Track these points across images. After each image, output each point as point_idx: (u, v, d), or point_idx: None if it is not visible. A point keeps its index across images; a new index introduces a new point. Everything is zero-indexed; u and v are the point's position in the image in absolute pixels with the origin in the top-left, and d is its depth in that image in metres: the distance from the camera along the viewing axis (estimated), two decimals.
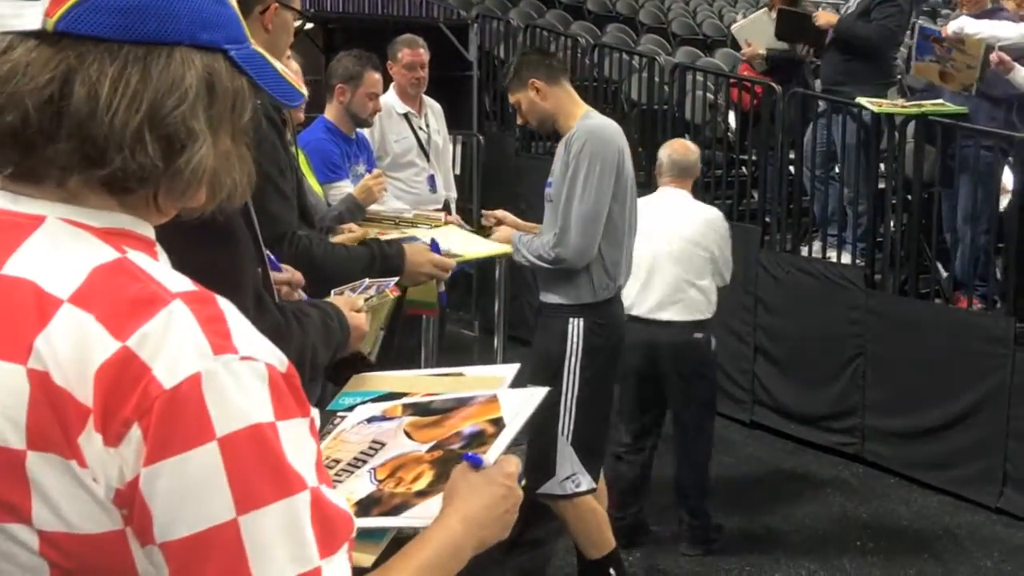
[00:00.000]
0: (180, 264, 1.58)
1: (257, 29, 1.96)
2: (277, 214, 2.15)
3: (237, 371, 0.90)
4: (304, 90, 1.09)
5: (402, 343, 4.83)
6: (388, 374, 1.75)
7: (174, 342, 0.89)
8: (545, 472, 3.62)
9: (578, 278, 3.60)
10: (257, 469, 0.89)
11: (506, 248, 3.57)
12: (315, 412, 1.01)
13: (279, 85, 1.05)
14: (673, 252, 4.55)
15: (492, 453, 1.25)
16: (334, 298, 2.17)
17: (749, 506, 5.24)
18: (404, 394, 1.59)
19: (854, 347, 5.92)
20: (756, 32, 7.05)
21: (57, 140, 0.93)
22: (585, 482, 3.66)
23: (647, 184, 7.46)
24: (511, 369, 1.61)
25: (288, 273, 2.23)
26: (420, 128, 5.47)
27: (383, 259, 2.43)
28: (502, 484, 1.21)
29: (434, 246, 2.68)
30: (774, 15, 6.90)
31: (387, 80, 5.56)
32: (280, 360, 0.95)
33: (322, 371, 2.04)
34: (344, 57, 4.82)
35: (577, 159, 3.51)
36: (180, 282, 0.95)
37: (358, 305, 2.10)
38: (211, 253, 1.65)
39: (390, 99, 5.45)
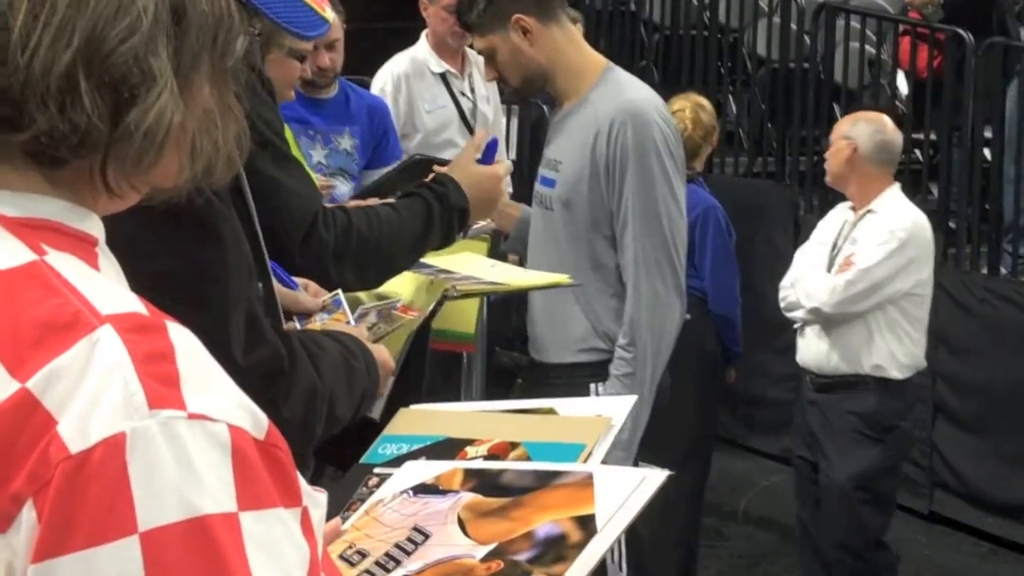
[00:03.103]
0: (134, 272, 1.56)
1: None
2: (296, 190, 2.13)
3: (181, 435, 0.87)
4: (329, 15, 1.08)
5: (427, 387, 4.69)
6: (448, 407, 1.77)
7: (92, 386, 0.86)
8: None
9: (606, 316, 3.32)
10: None
11: (563, 278, 3.18)
12: (318, 497, 0.98)
13: (289, 8, 1.04)
14: None
15: None
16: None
17: None
18: (467, 442, 1.59)
19: None
20: None
21: None
22: None
23: (779, 175, 7.36)
24: (623, 404, 1.58)
25: (312, 297, 2.20)
26: (463, 93, 5.38)
27: (441, 202, 2.42)
28: None
29: (489, 149, 2.63)
30: None
31: (421, 27, 5.45)
32: (256, 422, 0.91)
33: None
34: None
35: (639, 156, 3.22)
36: (118, 300, 0.93)
37: (364, 335, 2.10)
38: (182, 257, 1.68)
39: (421, 53, 5.36)
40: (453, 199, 2.42)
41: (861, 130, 4.69)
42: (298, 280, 2.28)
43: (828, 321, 4.58)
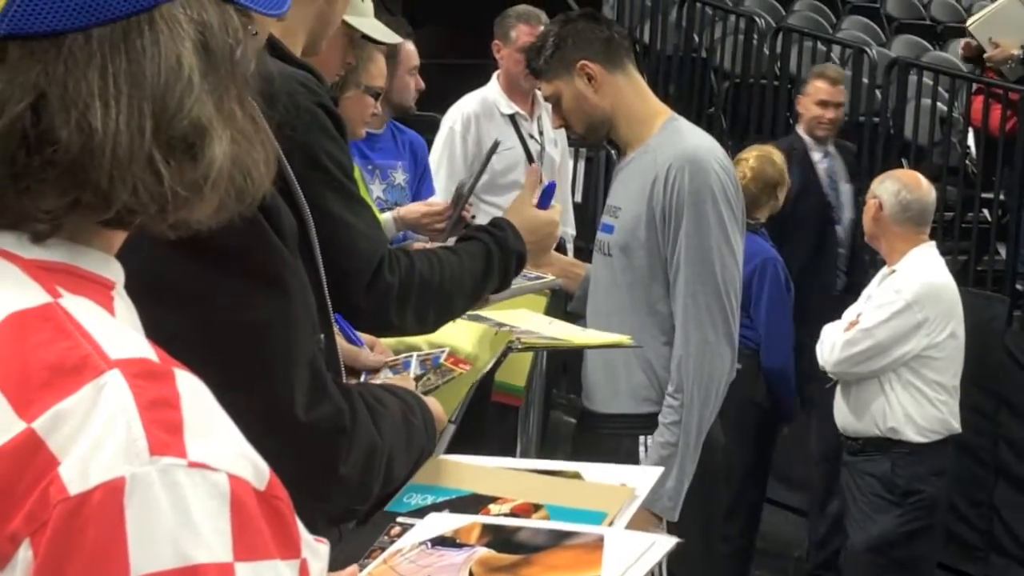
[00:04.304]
0: (201, 322, 1.59)
1: None
2: (365, 232, 2.09)
3: (180, 483, 0.87)
4: None
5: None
6: (477, 462, 1.74)
7: (96, 430, 0.87)
8: None
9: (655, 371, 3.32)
10: None
11: (624, 338, 3.16)
12: (319, 548, 0.99)
13: None
14: None
15: None
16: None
17: None
18: (491, 499, 1.59)
19: None
20: (1005, 26, 6.89)
21: (42, 197, 0.93)
22: None
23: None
24: (648, 475, 1.57)
25: (376, 353, 2.15)
26: (531, 136, 5.41)
27: (500, 246, 2.39)
28: None
29: (546, 193, 2.59)
30: None
31: (493, 66, 5.53)
32: (257, 472, 0.92)
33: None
34: None
35: (695, 203, 3.23)
36: (128, 345, 0.93)
37: (410, 384, 2.08)
38: (249, 309, 1.65)
39: (492, 94, 5.41)
40: (511, 243, 2.40)
41: (886, 188, 4.65)
42: (363, 337, 2.27)
43: (844, 381, 4.56)
